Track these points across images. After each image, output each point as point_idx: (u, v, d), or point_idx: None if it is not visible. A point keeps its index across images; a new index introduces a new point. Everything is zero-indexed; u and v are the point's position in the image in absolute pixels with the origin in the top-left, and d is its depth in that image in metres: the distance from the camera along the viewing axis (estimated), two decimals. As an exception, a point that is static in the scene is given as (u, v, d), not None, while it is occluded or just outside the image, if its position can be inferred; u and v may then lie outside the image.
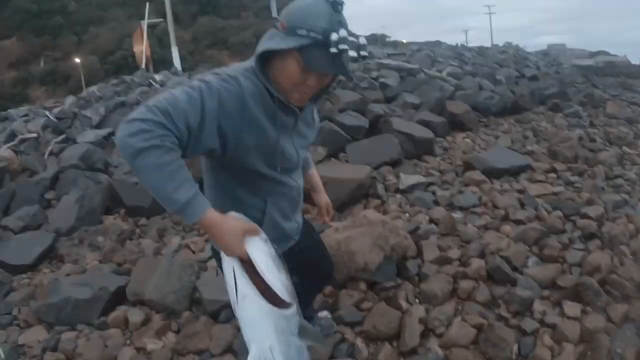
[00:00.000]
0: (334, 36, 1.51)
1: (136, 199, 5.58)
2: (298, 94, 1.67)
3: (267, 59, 1.66)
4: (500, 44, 31.87)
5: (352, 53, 1.56)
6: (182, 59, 25.85)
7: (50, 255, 4.93)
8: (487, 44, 33.42)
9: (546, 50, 32.59)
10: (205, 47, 39.93)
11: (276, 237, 1.77)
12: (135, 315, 3.38)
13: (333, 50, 1.52)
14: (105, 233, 4.87)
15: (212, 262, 3.78)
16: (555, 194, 4.80)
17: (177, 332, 3.21)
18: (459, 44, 23.14)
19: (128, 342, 3.22)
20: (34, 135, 9.47)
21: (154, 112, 1.42)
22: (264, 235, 1.58)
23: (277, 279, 1.51)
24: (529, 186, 5.03)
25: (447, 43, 22.55)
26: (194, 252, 4.05)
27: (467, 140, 7.55)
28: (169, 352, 3.00)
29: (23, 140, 9.27)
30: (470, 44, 28.52)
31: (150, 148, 1.38)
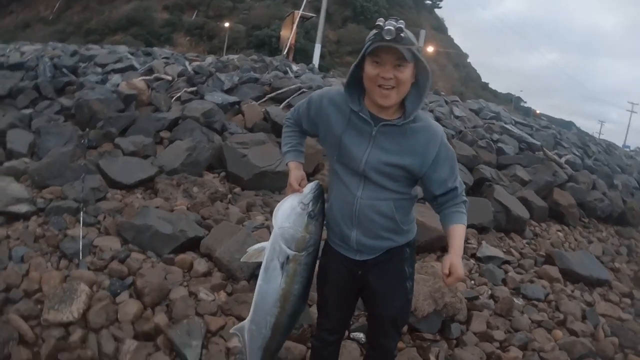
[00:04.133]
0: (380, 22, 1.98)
1: (238, 169, 5.90)
2: (378, 90, 2.02)
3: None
4: (632, 147, 30.03)
5: (391, 27, 1.93)
6: (322, 56, 26.45)
7: (147, 185, 5.33)
8: (619, 142, 31.60)
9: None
10: (347, 52, 40.60)
11: (335, 234, 2.32)
12: (201, 265, 3.74)
13: (378, 30, 1.97)
14: (201, 186, 5.24)
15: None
16: (621, 320, 4.65)
17: (230, 294, 3.53)
18: (591, 133, 22.14)
19: (185, 284, 3.57)
20: (169, 78, 10.23)
21: (292, 109, 2.48)
22: (303, 197, 2.16)
23: (287, 222, 2.12)
24: (599, 302, 4.91)
25: (578, 127, 21.69)
26: (270, 236, 4.34)
27: (560, 234, 7.33)
28: (215, 306, 3.33)
29: (158, 79, 10.07)
30: (602, 136, 27.18)
31: (284, 125, 2.50)
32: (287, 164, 2.39)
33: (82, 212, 4.18)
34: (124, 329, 3.06)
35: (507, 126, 11.60)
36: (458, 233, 2.17)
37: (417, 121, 2.12)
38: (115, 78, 9.65)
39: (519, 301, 4.45)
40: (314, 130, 2.34)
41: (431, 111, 11.08)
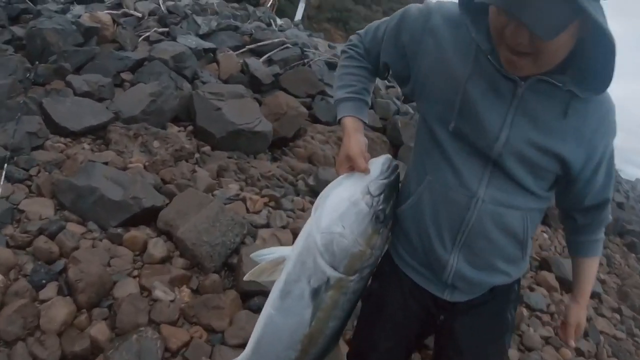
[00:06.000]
0: None
1: (209, 123, 5.05)
2: (504, 50, 1.21)
3: None
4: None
5: None
6: (302, 19, 25.70)
7: (98, 133, 4.49)
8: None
9: (634, 183, 30.93)
10: (326, 19, 39.63)
11: (412, 252, 1.53)
12: (158, 247, 2.81)
13: None
14: (163, 140, 4.33)
15: (265, 231, 3.18)
16: (617, 339, 4.54)
17: (195, 292, 2.62)
18: None
19: (135, 273, 2.66)
20: (139, 15, 9.19)
21: (359, 32, 1.64)
22: (370, 183, 1.38)
23: (340, 225, 1.34)
24: (596, 318, 4.78)
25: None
26: (248, 210, 3.44)
27: (545, 235, 7.09)
28: (176, 310, 2.43)
29: (126, 15, 9.04)
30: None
31: (342, 52, 1.69)
32: (340, 120, 1.56)
33: (7, 163, 3.25)
34: (48, 345, 2.14)
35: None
36: (593, 271, 1.62)
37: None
38: (78, 9, 8.54)
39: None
40: (401, 69, 1.49)
41: None
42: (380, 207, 1.36)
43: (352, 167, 1.41)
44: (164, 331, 2.31)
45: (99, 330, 2.25)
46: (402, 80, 1.51)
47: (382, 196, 1.36)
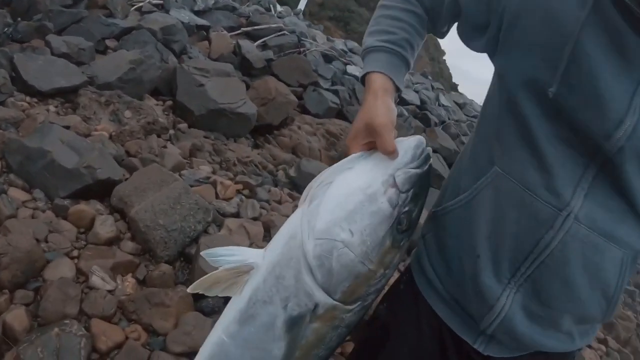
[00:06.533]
0: None
1: (190, 99, 4.71)
2: None
3: None
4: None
5: None
6: (303, 13, 25.39)
7: (68, 97, 4.15)
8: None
9: None
10: (327, 17, 39.55)
11: (448, 278, 1.09)
12: (105, 226, 2.41)
13: None
14: (136, 111, 3.96)
15: (233, 221, 2.81)
16: None
17: (141, 283, 2.25)
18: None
19: (75, 253, 2.27)
20: (134, -17, 8.87)
21: None
22: (395, 171, 0.93)
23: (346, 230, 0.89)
24: (584, 349, 4.35)
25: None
26: (217, 195, 3.07)
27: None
28: (113, 303, 2.04)
29: (120, -18, 8.68)
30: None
31: None
32: (365, 76, 1.07)
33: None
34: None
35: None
36: None
37: None
38: (72, -30, 8.21)
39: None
40: (477, 12, 1.03)
41: (417, 92, 10.21)
42: (407, 208, 0.92)
43: (372, 145, 0.96)
44: (94, 327, 1.91)
45: (16, 317, 1.85)
46: (475, 30, 1.07)
47: (411, 193, 0.92)
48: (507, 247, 0.97)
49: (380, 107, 0.96)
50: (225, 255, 0.96)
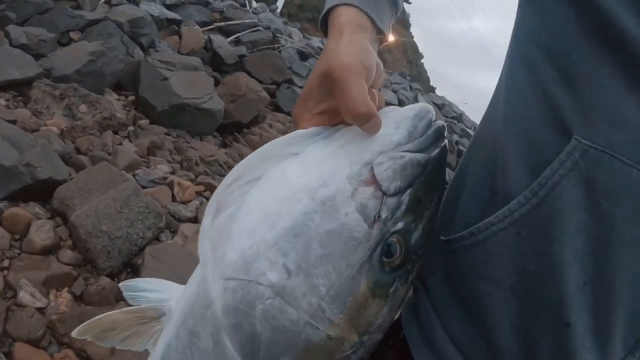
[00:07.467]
0: None
1: (152, 94, 4.48)
2: None
3: None
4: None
5: None
6: (282, 14, 25.28)
7: (22, 89, 3.93)
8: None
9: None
10: (306, 18, 39.45)
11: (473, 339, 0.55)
12: (42, 233, 2.15)
13: None
14: (93, 105, 3.70)
15: (189, 227, 2.56)
16: None
17: (78, 299, 1.98)
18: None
19: (5, 263, 2.00)
20: (105, -24, 8.58)
21: None
22: (382, 152, 0.52)
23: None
24: None
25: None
26: (174, 197, 2.81)
27: None
28: (41, 324, 1.78)
29: (88, -27, 8.38)
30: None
31: None
32: (330, 12, 0.59)
33: None
34: None
35: (468, 130, 10.94)
36: None
37: None
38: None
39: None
40: None
41: (394, 92, 10.12)
42: (400, 224, 0.52)
43: (335, 115, 0.55)
44: (17, 352, 1.64)
45: None
46: None
47: (407, 195, 0.53)
48: (622, 300, 0.48)
49: (345, 45, 0.55)
50: (145, 291, 0.65)
